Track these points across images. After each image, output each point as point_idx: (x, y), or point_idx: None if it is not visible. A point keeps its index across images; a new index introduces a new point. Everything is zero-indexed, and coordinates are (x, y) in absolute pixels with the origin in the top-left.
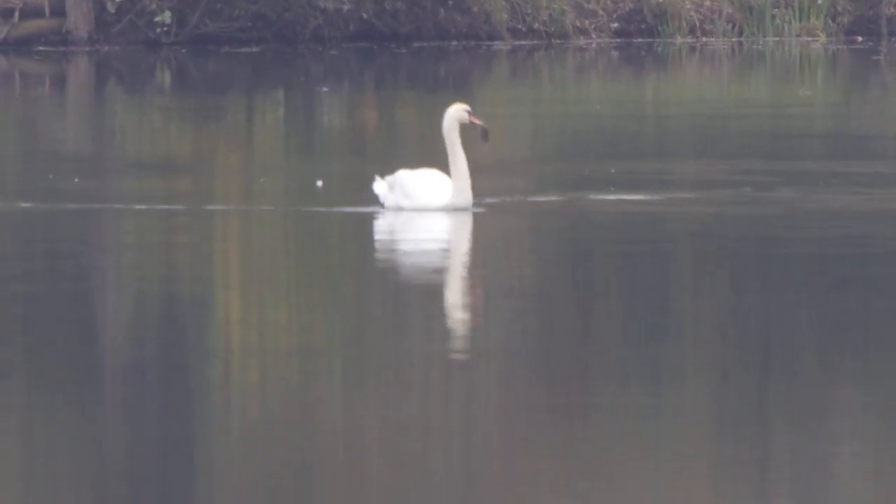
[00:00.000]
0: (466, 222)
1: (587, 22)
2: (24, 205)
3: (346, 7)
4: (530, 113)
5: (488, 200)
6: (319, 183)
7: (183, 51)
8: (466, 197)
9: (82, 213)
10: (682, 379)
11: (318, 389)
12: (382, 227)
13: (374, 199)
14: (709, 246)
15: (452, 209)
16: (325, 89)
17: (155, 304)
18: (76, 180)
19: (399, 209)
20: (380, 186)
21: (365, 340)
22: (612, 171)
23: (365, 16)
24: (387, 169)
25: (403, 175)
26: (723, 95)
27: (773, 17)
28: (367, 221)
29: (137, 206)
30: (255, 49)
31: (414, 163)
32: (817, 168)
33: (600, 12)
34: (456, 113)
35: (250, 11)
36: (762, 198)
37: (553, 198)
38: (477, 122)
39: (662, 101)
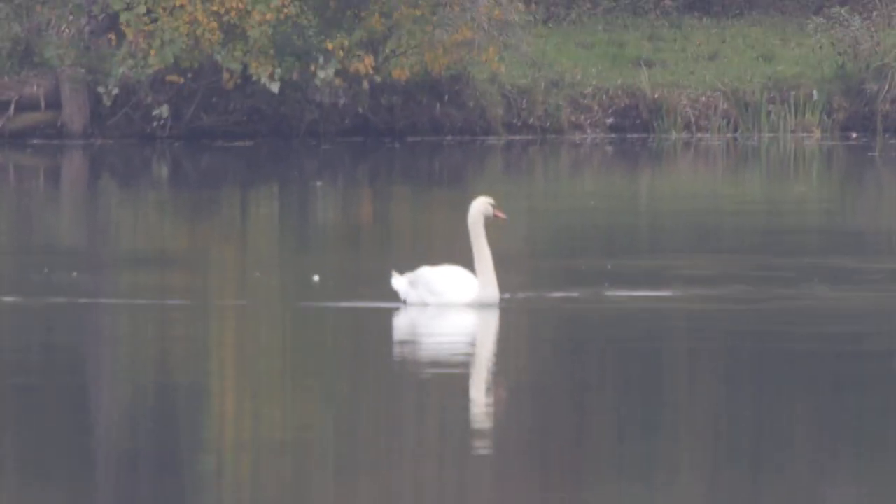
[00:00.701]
0: (492, 317)
1: (582, 117)
2: (18, 299)
3: (341, 101)
4: (525, 207)
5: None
6: (316, 278)
7: (176, 144)
8: (493, 292)
9: (77, 307)
10: (676, 475)
11: (311, 483)
12: (403, 322)
13: (380, 295)
14: (706, 343)
15: (479, 304)
16: (318, 183)
17: (149, 398)
18: (74, 274)
19: (424, 305)
20: (399, 282)
21: (364, 433)
22: (609, 266)
23: (361, 110)
24: (381, 265)
25: (426, 271)
26: (717, 191)
27: (769, 113)
28: (384, 317)
29: (133, 301)
30: (248, 143)
31: (409, 258)
32: (812, 264)
33: (596, 107)
34: (481, 206)
35: (246, 105)
36: (757, 294)
37: (572, 293)
38: (501, 215)
39: (657, 196)
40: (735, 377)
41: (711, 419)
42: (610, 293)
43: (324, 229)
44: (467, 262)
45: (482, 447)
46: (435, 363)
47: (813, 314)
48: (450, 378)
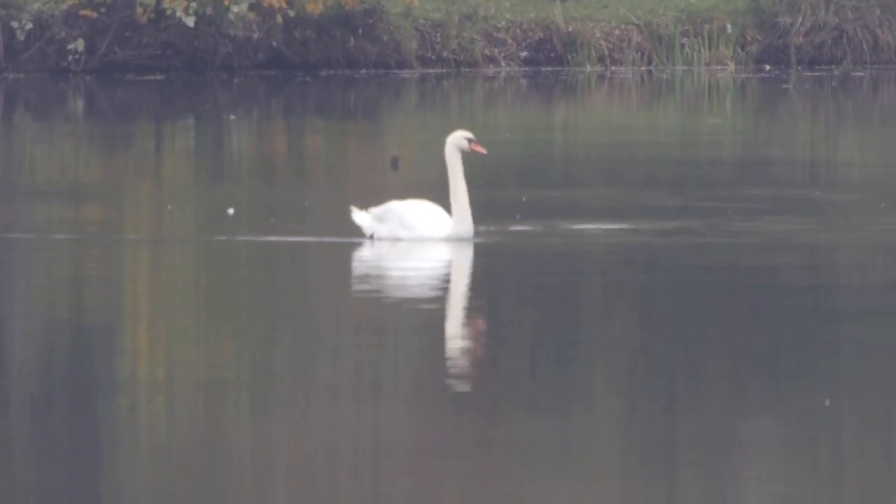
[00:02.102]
0: (463, 251)
1: (496, 50)
2: None
3: (255, 35)
4: (440, 141)
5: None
6: (231, 211)
7: (88, 78)
8: (468, 226)
9: None
10: (590, 410)
11: (225, 421)
12: (370, 257)
13: (297, 230)
14: (621, 276)
15: (455, 239)
16: (232, 117)
17: (62, 335)
18: None
19: (396, 240)
20: (361, 217)
21: (281, 372)
22: (524, 198)
23: (274, 44)
24: (297, 198)
25: (397, 205)
26: (631, 124)
27: (683, 46)
28: (347, 252)
29: (47, 235)
30: (160, 77)
31: (325, 191)
32: (726, 196)
33: (510, 41)
34: (456, 140)
35: (159, 40)
36: (671, 226)
37: (485, 226)
38: (478, 149)
39: (571, 128)
40: (650, 310)
41: (627, 353)
42: (518, 228)
43: (238, 163)
44: (383, 196)
45: (399, 384)
46: (365, 299)
47: (726, 246)
48: (372, 313)
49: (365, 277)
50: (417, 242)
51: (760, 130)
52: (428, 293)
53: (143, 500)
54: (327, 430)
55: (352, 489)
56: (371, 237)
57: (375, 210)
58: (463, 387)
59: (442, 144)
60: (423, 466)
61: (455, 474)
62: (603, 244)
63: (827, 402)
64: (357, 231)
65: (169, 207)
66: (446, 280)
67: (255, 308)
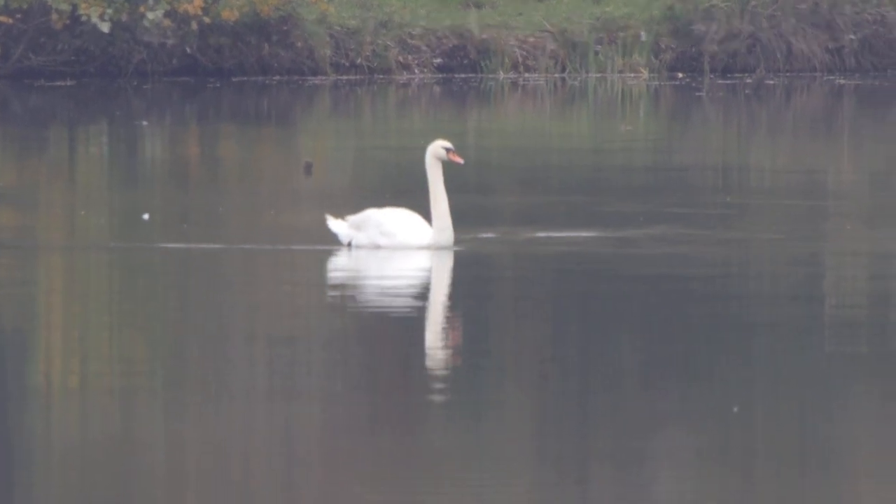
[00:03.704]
0: (442, 259)
1: (410, 57)
2: None
3: (170, 42)
4: (353, 146)
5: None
6: (146, 216)
7: (1, 83)
8: (448, 235)
9: None
10: (502, 420)
11: (138, 426)
12: (344, 265)
13: (211, 236)
14: (533, 286)
15: (436, 247)
16: (145, 123)
17: None
18: None
19: (376, 247)
20: (337, 225)
21: (195, 376)
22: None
23: (189, 51)
24: (211, 203)
25: (375, 213)
26: (544, 130)
27: (597, 53)
28: (322, 260)
29: None
30: (70, 83)
31: (239, 197)
32: (638, 202)
33: (424, 48)
34: (435, 150)
35: (73, 46)
36: (584, 234)
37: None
38: (457, 159)
39: (485, 135)
40: (562, 319)
41: (538, 361)
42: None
43: (152, 168)
44: (297, 202)
45: (311, 385)
46: (281, 305)
47: (638, 254)
48: (287, 318)
49: (341, 286)
50: (398, 250)
51: (673, 137)
52: (410, 301)
53: (53, 493)
54: (240, 433)
55: (265, 494)
56: (349, 245)
57: (352, 218)
58: (372, 395)
59: (356, 150)
60: (336, 473)
61: (366, 470)
62: (512, 253)
63: (735, 409)
64: (331, 238)
65: (82, 213)
66: (426, 288)
67: (177, 315)
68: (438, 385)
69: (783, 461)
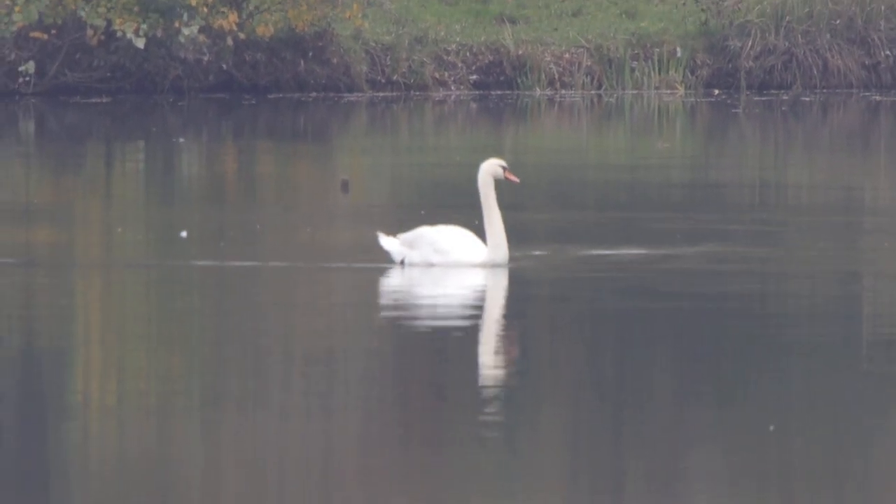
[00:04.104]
0: (499, 277)
1: (446, 74)
2: None
3: (206, 58)
4: (390, 163)
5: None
6: (183, 234)
7: (34, 101)
8: (503, 253)
9: None
10: (536, 433)
11: (174, 446)
12: (398, 284)
13: (248, 253)
14: (567, 304)
15: (490, 265)
16: (181, 140)
17: (13, 362)
18: None
19: (429, 265)
20: (390, 243)
21: (231, 396)
22: (476, 222)
23: (224, 67)
24: (249, 220)
25: (429, 231)
26: (581, 147)
27: (633, 69)
28: (374, 278)
29: None
30: (107, 100)
31: (276, 214)
32: (675, 220)
33: (460, 64)
34: (490, 168)
35: (109, 62)
36: (621, 251)
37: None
38: (512, 178)
39: (521, 152)
40: (599, 336)
41: (578, 378)
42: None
43: (188, 185)
44: (333, 220)
45: (349, 401)
46: (322, 325)
47: (676, 271)
48: (319, 337)
49: (394, 304)
50: (451, 268)
51: (710, 154)
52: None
53: None
54: (277, 454)
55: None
56: (402, 263)
57: (405, 236)
58: (444, 414)
59: (393, 167)
60: (373, 490)
61: (401, 486)
62: (549, 269)
63: (771, 428)
64: (384, 257)
65: (119, 230)
66: (480, 305)
67: (205, 332)
68: (488, 403)
69: (819, 481)
